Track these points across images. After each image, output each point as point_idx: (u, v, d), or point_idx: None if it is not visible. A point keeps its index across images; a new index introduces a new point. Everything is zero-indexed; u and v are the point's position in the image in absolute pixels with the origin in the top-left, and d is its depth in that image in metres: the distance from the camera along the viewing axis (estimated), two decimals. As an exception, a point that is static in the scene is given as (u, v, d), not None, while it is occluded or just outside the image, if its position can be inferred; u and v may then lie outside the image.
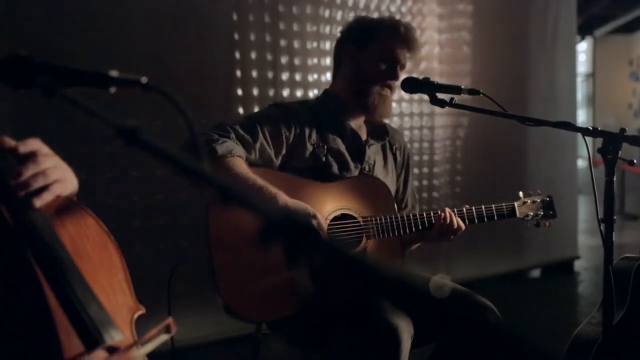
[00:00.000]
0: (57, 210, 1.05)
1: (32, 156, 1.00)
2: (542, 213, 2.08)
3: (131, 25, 2.91)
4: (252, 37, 3.25)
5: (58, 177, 1.02)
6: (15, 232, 0.97)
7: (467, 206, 1.97)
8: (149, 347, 1.00)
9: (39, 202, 0.99)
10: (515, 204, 2.05)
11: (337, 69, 2.03)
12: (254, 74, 3.26)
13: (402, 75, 1.93)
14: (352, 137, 1.97)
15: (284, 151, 1.85)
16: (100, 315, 0.95)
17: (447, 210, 1.92)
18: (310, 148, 1.88)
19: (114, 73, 0.90)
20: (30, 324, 0.95)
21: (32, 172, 0.98)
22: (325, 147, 1.90)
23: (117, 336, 0.95)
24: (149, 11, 2.96)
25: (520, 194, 2.09)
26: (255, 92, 3.27)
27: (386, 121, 2.12)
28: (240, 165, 1.71)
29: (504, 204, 2.03)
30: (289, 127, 1.86)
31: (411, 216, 1.88)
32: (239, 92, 3.23)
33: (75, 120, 2.61)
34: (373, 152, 2.03)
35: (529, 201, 2.08)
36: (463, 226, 1.93)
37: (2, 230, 0.98)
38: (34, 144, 1.02)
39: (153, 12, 2.97)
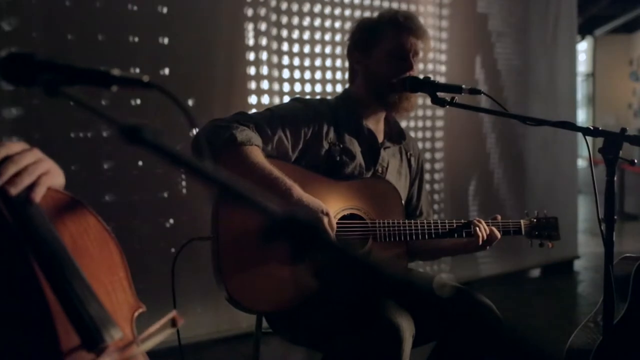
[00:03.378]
0: (56, 207, 1.05)
1: (7, 158, 0.99)
2: (546, 233, 2.09)
3: (133, 21, 2.92)
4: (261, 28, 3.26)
5: (43, 169, 1.01)
6: (14, 230, 0.97)
7: (477, 219, 1.96)
8: (152, 342, 0.99)
9: (35, 197, 0.99)
10: (522, 222, 2.06)
11: (352, 72, 2.03)
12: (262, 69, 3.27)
13: (419, 65, 1.93)
14: (369, 138, 1.97)
15: (300, 146, 1.85)
16: (100, 314, 0.95)
17: (483, 221, 1.94)
18: (326, 146, 1.88)
19: (115, 72, 0.90)
20: (28, 321, 0.95)
21: (13, 171, 0.98)
22: (341, 146, 1.90)
23: (117, 335, 0.95)
24: (150, 12, 2.96)
25: (527, 212, 2.10)
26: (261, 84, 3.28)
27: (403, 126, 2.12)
28: (257, 154, 1.71)
29: (510, 221, 2.03)
30: (309, 124, 1.86)
31: (419, 224, 1.88)
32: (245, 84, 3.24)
33: (76, 118, 2.61)
34: (388, 155, 2.02)
35: (535, 220, 2.08)
36: (499, 235, 1.97)
37: (1, 228, 0.97)
38: (4, 148, 1.00)
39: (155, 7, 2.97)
